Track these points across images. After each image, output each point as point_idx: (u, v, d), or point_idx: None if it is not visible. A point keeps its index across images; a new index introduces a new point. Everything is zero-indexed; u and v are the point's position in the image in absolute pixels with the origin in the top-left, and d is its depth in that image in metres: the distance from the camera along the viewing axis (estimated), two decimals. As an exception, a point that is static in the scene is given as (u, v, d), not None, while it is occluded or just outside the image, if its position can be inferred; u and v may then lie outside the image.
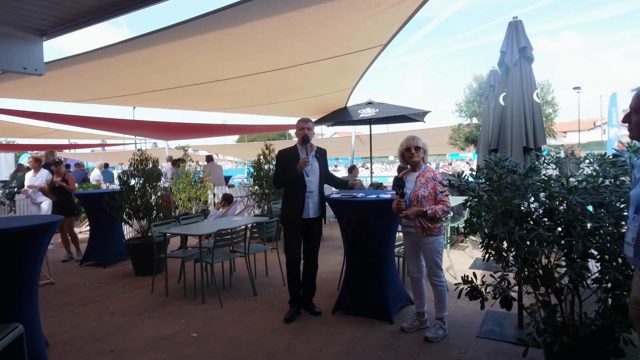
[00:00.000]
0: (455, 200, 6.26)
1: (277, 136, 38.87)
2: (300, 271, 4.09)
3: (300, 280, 4.09)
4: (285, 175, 4.00)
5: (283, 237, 4.21)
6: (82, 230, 8.22)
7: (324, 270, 5.37)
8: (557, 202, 2.35)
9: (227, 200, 7.60)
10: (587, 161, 2.58)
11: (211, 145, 23.05)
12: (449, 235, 6.06)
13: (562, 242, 2.25)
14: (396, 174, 4.59)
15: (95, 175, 14.94)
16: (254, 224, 5.14)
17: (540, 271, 2.40)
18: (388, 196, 3.91)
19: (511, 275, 2.50)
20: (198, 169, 8.98)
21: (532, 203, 2.42)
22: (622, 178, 2.28)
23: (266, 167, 7.97)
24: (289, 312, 4.01)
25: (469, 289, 2.54)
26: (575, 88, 37.07)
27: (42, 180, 7.17)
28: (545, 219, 2.37)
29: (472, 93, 18.36)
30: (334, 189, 4.75)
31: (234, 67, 5.97)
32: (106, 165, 16.70)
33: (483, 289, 2.51)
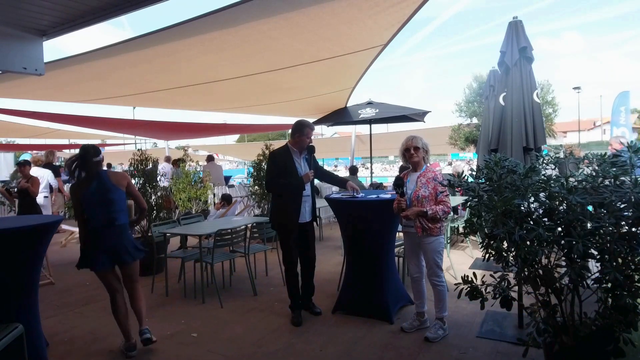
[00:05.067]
0: (455, 201, 6.27)
1: (277, 136, 38.84)
2: (298, 273, 4.04)
3: (300, 283, 4.05)
4: (286, 182, 3.83)
5: (279, 244, 4.05)
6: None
7: (324, 270, 5.37)
8: (557, 202, 2.34)
9: (226, 200, 7.60)
10: (586, 161, 2.58)
11: (211, 145, 23.07)
12: (449, 235, 6.06)
13: (562, 242, 2.25)
14: (397, 174, 4.62)
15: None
16: (254, 224, 5.14)
17: (540, 271, 2.40)
18: (388, 196, 3.91)
19: (511, 275, 2.50)
20: (198, 169, 8.97)
21: (532, 203, 2.42)
22: (622, 178, 2.28)
23: (266, 167, 7.94)
24: (294, 317, 3.92)
25: (469, 289, 2.54)
26: (575, 88, 37.10)
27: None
28: (545, 219, 2.37)
29: (472, 93, 18.39)
30: (334, 188, 4.71)
31: (234, 67, 5.98)
32: (109, 166, 16.72)
33: (483, 289, 2.51)
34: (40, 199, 7.38)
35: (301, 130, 3.86)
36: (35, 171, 7.56)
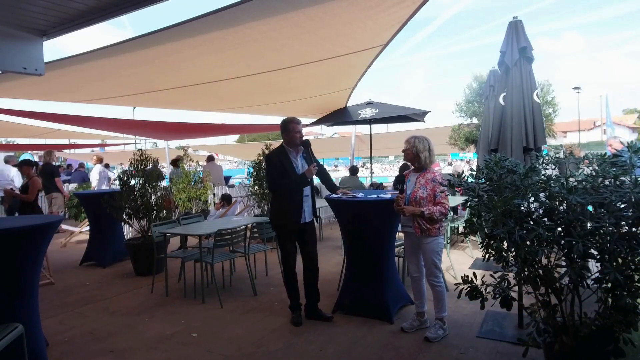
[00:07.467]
0: (455, 201, 6.26)
1: (277, 136, 38.80)
2: (297, 273, 3.99)
3: (304, 289, 3.98)
4: (288, 181, 3.77)
5: (278, 245, 4.01)
6: (82, 231, 8.21)
7: (324, 270, 5.36)
8: (557, 202, 2.34)
9: (226, 200, 7.60)
10: (586, 161, 2.58)
11: (211, 145, 23.03)
12: (449, 235, 6.06)
13: (562, 242, 2.25)
14: (398, 173, 4.70)
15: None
16: (254, 224, 5.14)
17: (540, 271, 2.40)
18: (388, 196, 3.91)
19: (511, 275, 2.50)
20: (198, 169, 8.97)
21: (532, 203, 2.42)
22: (622, 178, 2.28)
23: (265, 170, 7.94)
24: (294, 317, 3.89)
25: (469, 289, 2.54)
26: (575, 88, 37.14)
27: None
28: (545, 219, 2.37)
29: (472, 93, 18.41)
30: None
31: (234, 67, 5.98)
32: (107, 166, 16.70)
33: (483, 289, 2.51)
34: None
35: (286, 127, 3.85)
36: (96, 169, 9.87)
